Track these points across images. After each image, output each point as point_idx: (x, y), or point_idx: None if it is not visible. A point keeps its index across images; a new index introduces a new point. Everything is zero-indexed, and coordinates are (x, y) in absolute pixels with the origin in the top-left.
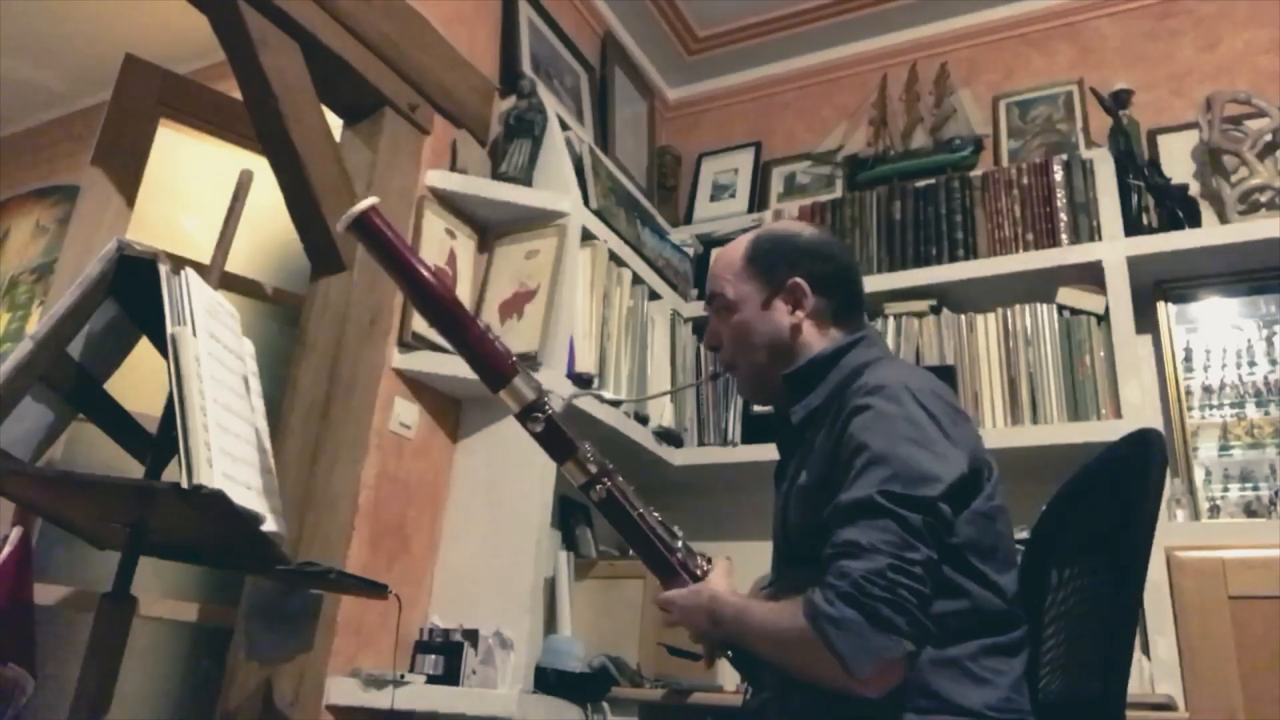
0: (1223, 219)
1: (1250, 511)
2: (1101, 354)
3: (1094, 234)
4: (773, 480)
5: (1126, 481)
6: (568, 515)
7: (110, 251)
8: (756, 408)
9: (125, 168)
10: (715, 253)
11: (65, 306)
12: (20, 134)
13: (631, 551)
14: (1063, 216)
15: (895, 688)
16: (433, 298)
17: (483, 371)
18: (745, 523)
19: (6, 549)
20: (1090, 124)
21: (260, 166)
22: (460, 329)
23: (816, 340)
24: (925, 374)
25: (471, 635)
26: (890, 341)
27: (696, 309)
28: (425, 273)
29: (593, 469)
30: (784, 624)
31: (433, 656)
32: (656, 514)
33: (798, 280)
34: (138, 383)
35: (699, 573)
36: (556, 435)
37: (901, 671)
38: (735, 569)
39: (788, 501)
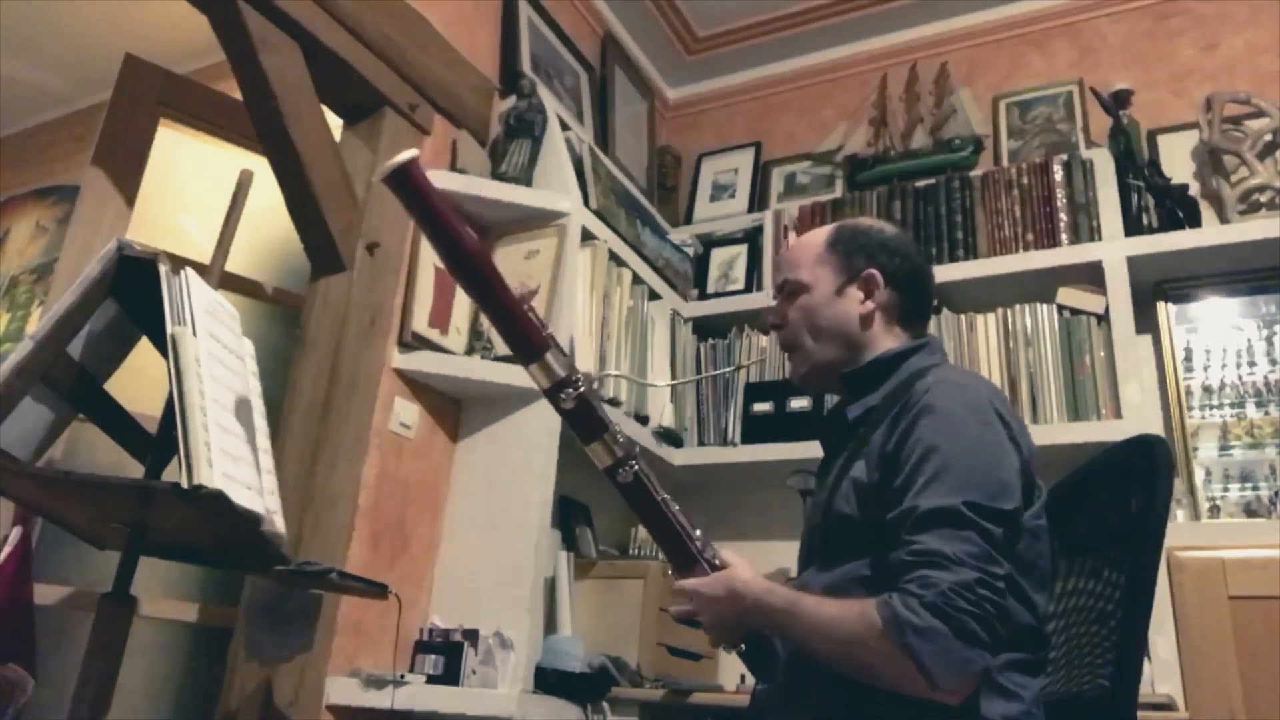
0: (1223, 219)
1: (1250, 511)
2: (1101, 354)
3: (1094, 234)
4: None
5: (1132, 488)
6: (568, 515)
7: (110, 251)
8: (758, 406)
9: (125, 168)
10: (791, 241)
11: (65, 306)
12: (20, 134)
13: (652, 539)
14: (1063, 216)
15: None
16: (469, 260)
17: (515, 342)
18: (745, 523)
19: (6, 549)
20: (1090, 124)
21: (260, 166)
22: (495, 296)
23: (882, 335)
24: (989, 382)
25: (471, 635)
26: None
27: (696, 309)
28: (463, 233)
29: (620, 452)
30: (852, 624)
31: (433, 656)
32: (676, 505)
33: (873, 271)
34: (138, 383)
35: (716, 563)
36: (587, 414)
37: (977, 681)
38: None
39: (834, 494)
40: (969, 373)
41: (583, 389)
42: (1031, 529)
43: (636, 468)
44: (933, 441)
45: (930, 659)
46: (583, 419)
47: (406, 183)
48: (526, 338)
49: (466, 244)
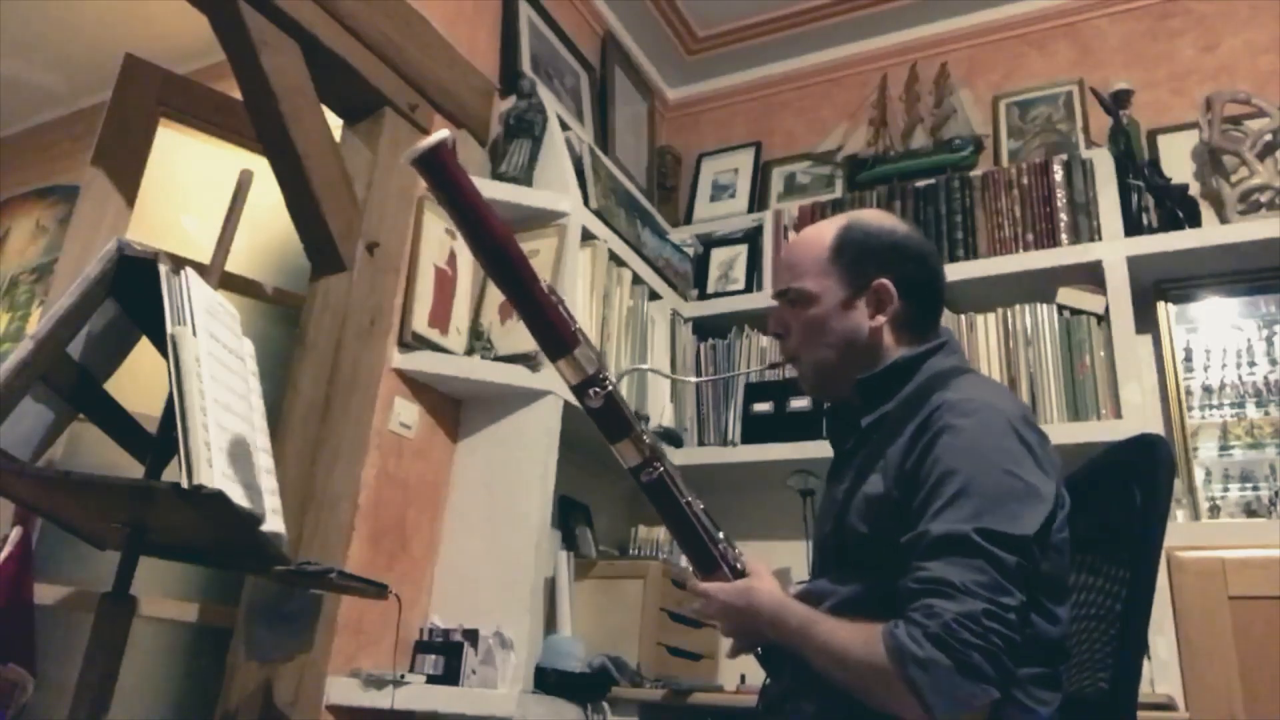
0: (1223, 219)
1: (1250, 511)
2: (1101, 354)
3: (1094, 234)
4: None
5: (1132, 487)
6: (568, 515)
7: (110, 251)
8: (758, 406)
9: (125, 168)
10: (794, 238)
11: (65, 306)
12: (20, 134)
13: (673, 540)
14: (1063, 216)
15: None
16: (498, 248)
17: (544, 337)
18: (745, 523)
19: (6, 549)
20: (1090, 124)
21: (260, 166)
22: (525, 289)
23: (894, 347)
24: (1013, 395)
25: (471, 635)
26: None
27: (697, 309)
28: (493, 219)
29: (647, 451)
30: (859, 650)
31: (433, 656)
32: (701, 504)
33: (885, 283)
34: (138, 383)
35: (739, 567)
36: (615, 412)
37: (983, 717)
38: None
39: (847, 505)
40: (994, 386)
41: (610, 387)
42: (1055, 544)
43: (662, 468)
44: (951, 464)
45: (930, 692)
46: (610, 417)
47: (436, 166)
48: (556, 332)
49: (496, 230)
